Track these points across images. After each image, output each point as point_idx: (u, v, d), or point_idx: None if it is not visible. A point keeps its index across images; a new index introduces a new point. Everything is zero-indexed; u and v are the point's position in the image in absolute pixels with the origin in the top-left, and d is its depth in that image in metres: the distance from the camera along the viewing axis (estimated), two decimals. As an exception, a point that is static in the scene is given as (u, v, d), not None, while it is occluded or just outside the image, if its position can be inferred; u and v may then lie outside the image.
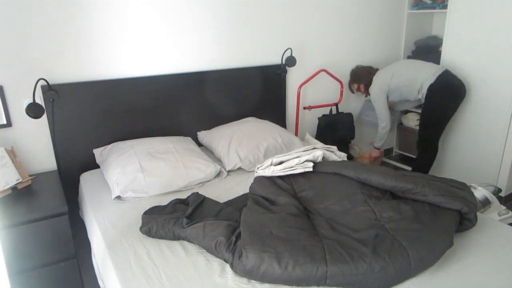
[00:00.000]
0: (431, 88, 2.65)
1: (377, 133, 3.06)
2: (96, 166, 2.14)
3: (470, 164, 3.02)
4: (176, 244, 1.45)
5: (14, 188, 1.82)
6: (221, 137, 2.31)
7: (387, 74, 2.86)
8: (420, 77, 2.71)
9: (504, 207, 2.19)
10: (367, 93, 3.06)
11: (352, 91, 3.25)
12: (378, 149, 3.13)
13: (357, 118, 3.44)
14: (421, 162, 2.96)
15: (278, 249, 1.25)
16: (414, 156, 3.66)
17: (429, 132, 2.84)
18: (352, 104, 3.45)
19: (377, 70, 3.00)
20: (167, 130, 2.41)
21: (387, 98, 2.89)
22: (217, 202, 1.69)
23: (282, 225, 1.38)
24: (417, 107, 3.68)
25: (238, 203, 1.72)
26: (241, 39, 2.62)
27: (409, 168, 3.34)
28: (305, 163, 1.77)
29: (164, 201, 1.75)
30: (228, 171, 2.13)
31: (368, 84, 2.99)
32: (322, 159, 1.85)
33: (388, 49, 3.52)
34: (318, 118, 3.09)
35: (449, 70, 2.73)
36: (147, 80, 2.28)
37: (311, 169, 1.75)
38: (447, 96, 2.69)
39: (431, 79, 2.65)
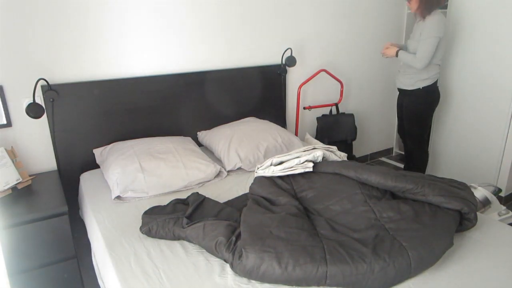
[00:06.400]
0: (427, 88, 2.62)
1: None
2: (96, 166, 2.14)
3: (470, 164, 3.02)
4: (176, 244, 1.45)
5: (14, 188, 1.82)
6: (221, 137, 2.31)
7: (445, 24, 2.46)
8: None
9: (504, 207, 2.19)
10: (420, 13, 2.49)
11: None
12: (395, 55, 2.67)
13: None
14: (421, 162, 2.89)
15: (278, 249, 1.25)
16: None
17: (424, 129, 2.79)
18: (352, 104, 3.45)
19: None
20: (167, 130, 2.41)
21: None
22: (217, 202, 1.69)
23: (282, 225, 1.38)
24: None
25: (238, 203, 1.72)
26: (241, 39, 2.62)
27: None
28: (305, 163, 1.77)
29: (164, 201, 1.75)
30: (228, 171, 2.13)
31: (426, 5, 2.44)
32: (322, 159, 1.86)
33: (388, 49, 3.52)
34: (317, 118, 3.09)
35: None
36: (147, 80, 2.28)
37: (311, 169, 1.76)
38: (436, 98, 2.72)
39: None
